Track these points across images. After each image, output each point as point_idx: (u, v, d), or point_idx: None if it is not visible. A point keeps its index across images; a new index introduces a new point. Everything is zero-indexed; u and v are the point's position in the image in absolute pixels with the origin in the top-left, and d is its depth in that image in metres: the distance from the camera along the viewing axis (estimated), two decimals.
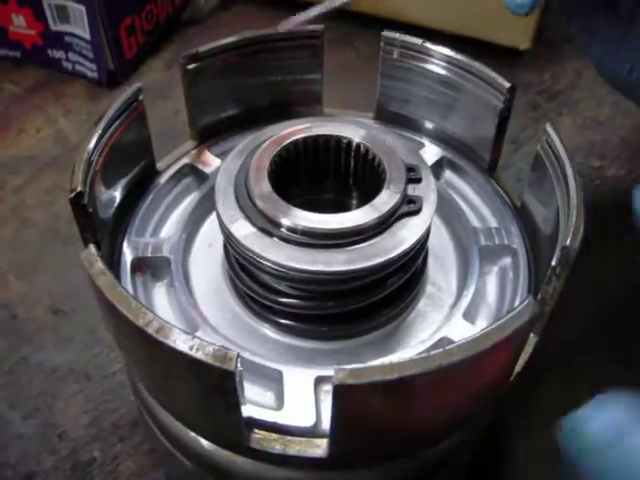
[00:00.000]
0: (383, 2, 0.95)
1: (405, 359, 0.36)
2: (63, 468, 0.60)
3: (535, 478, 0.59)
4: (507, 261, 0.53)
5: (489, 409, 0.50)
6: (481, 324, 0.50)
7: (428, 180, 0.48)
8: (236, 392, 0.38)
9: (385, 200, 0.46)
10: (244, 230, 0.46)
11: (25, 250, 0.75)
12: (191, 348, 0.38)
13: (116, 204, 0.52)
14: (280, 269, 0.44)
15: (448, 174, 0.59)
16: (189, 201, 0.56)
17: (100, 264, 0.42)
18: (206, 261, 0.53)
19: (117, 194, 0.53)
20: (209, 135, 0.59)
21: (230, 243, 0.47)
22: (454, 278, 0.53)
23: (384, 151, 0.49)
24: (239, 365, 0.37)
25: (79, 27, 0.85)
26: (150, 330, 0.39)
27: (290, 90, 0.60)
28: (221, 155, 0.58)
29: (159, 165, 0.57)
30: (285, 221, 0.45)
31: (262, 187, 0.47)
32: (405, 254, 0.45)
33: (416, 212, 0.47)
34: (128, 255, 0.52)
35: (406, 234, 0.46)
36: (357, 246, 0.45)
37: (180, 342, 0.38)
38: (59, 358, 0.66)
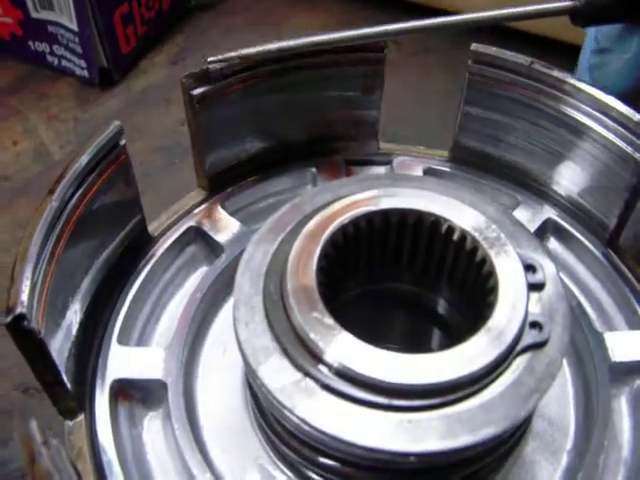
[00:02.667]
0: None
1: None
2: None
3: None
4: None
5: None
6: None
7: (555, 285, 0.30)
8: None
9: (499, 328, 0.27)
10: (281, 378, 0.27)
11: None
12: None
13: (87, 301, 0.34)
14: (339, 445, 0.26)
15: (553, 244, 0.40)
16: (195, 283, 0.37)
17: (46, 463, 0.24)
18: (219, 379, 0.34)
19: (86, 285, 0.34)
20: (223, 183, 0.40)
21: (260, 393, 0.28)
22: (571, 406, 0.35)
23: (489, 239, 0.30)
24: None
25: (65, 15, 0.65)
26: None
27: (335, 119, 0.40)
28: (239, 213, 0.39)
29: (152, 227, 0.38)
30: (342, 365, 0.26)
31: (307, 304, 0.28)
32: (530, 414, 0.27)
33: (543, 344, 0.28)
34: (107, 376, 0.33)
35: (532, 381, 0.27)
36: (457, 407, 0.26)
37: None
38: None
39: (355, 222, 0.31)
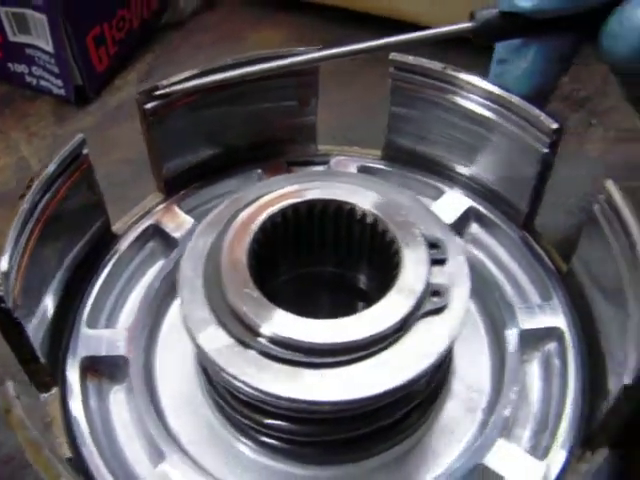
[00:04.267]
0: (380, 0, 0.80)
1: None
2: None
3: None
4: (551, 346, 0.40)
5: None
6: (523, 435, 0.37)
7: (457, 261, 0.35)
8: None
9: (401, 298, 0.33)
10: (216, 342, 0.33)
11: None
12: None
13: (59, 290, 0.40)
14: (262, 396, 0.32)
15: (475, 229, 0.45)
16: (154, 274, 0.43)
17: (20, 412, 0.29)
18: (176, 357, 0.40)
19: (57, 278, 0.39)
20: (178, 186, 0.46)
21: (200, 356, 0.34)
22: (487, 369, 0.40)
23: (398, 222, 0.36)
24: None
25: (41, 38, 0.71)
26: None
27: (276, 125, 0.46)
28: (194, 211, 0.45)
29: (116, 227, 0.44)
30: (268, 330, 0.32)
31: (239, 280, 0.33)
32: (426, 372, 0.32)
33: (441, 309, 0.34)
34: (77, 354, 0.39)
35: (427, 345, 0.32)
36: (361, 364, 0.32)
37: None
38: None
39: (283, 212, 0.36)
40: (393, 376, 0.31)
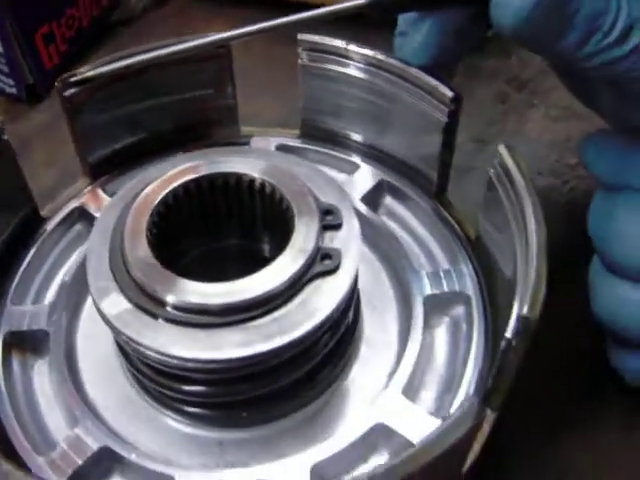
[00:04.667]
0: None
1: None
2: None
3: None
4: (459, 310, 0.42)
5: None
6: (427, 397, 0.39)
7: (350, 226, 0.37)
8: None
9: (292, 257, 0.35)
10: (117, 307, 0.35)
11: None
12: None
13: None
14: (160, 357, 0.34)
15: (389, 201, 0.47)
16: (80, 254, 0.45)
17: None
18: (97, 333, 0.42)
19: None
20: (102, 171, 0.48)
21: (104, 323, 0.36)
22: (395, 334, 0.42)
23: (293, 190, 0.38)
24: None
25: None
26: None
27: (197, 109, 0.48)
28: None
29: (44, 212, 0.46)
30: (167, 295, 0.34)
31: (139, 251, 0.36)
32: (320, 327, 0.35)
33: (333, 270, 0.36)
34: (1, 330, 0.41)
35: (320, 301, 0.35)
36: (257, 322, 0.34)
37: None
38: None
39: (184, 186, 0.38)
40: (287, 332, 0.33)
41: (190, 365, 0.34)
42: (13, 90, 0.77)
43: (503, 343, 0.33)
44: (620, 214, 0.46)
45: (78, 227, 0.47)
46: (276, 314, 0.34)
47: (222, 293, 0.34)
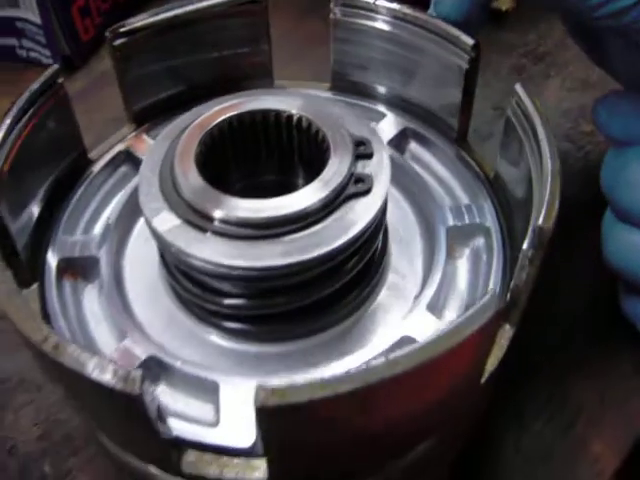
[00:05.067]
0: None
1: (338, 373, 0.30)
2: None
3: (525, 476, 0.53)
4: (480, 242, 0.46)
5: (463, 415, 0.43)
6: (450, 316, 0.43)
7: (380, 155, 0.41)
8: (147, 416, 0.32)
9: (329, 179, 0.39)
10: (167, 223, 0.39)
11: None
12: (90, 368, 0.31)
13: (41, 202, 0.46)
14: (210, 267, 0.38)
15: (413, 146, 0.51)
16: (125, 191, 0.49)
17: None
18: (142, 259, 0.46)
19: (40, 191, 0.46)
20: (147, 118, 0.52)
21: (156, 239, 0.40)
22: (420, 264, 0.46)
23: (329, 124, 0.42)
24: (147, 386, 0.31)
25: (29, 11, 0.78)
26: (47, 347, 0.32)
27: (235, 64, 0.53)
28: None
29: (92, 154, 0.51)
30: (216, 212, 0.38)
31: (189, 175, 0.40)
32: (353, 242, 0.38)
33: (366, 192, 0.40)
34: (53, 257, 0.45)
35: (353, 218, 0.39)
36: (297, 235, 0.38)
37: (77, 361, 0.31)
38: (8, 367, 0.60)
39: (226, 122, 0.43)
40: (323, 245, 0.38)
41: (234, 273, 0.38)
42: (50, 61, 0.82)
43: (520, 256, 0.37)
44: (630, 165, 0.50)
45: (124, 169, 0.51)
46: (313, 229, 0.38)
47: (265, 208, 0.38)
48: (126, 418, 0.34)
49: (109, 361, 0.31)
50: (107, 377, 0.31)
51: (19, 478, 0.54)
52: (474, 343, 0.32)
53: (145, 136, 0.51)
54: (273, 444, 0.33)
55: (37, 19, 0.78)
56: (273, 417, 0.30)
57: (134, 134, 0.52)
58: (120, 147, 0.51)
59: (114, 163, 0.50)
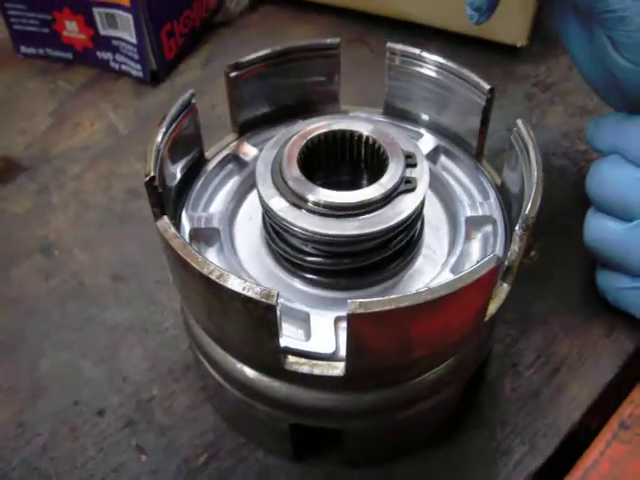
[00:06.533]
0: (391, 4, 1.11)
1: (400, 295, 0.53)
2: (128, 404, 0.77)
3: (520, 418, 0.76)
4: (489, 229, 0.70)
5: (472, 345, 0.66)
6: None
7: (422, 165, 0.65)
8: (276, 322, 0.55)
9: (387, 180, 0.63)
10: (279, 204, 0.63)
11: (86, 228, 0.93)
12: (244, 289, 0.55)
13: (176, 185, 0.70)
14: (306, 234, 0.61)
15: (443, 159, 0.76)
16: (232, 183, 0.74)
17: (173, 229, 0.59)
18: (247, 231, 0.71)
19: (177, 177, 0.70)
20: (247, 129, 0.77)
21: (268, 214, 0.64)
22: (446, 243, 0.70)
23: (387, 142, 0.66)
24: (279, 302, 0.54)
25: (126, 32, 1.02)
26: (213, 277, 0.56)
27: (313, 91, 0.77)
28: (257, 145, 0.76)
29: (207, 154, 0.75)
30: (310, 197, 0.62)
31: (292, 171, 0.64)
32: (403, 222, 0.62)
33: (412, 190, 0.63)
34: (186, 226, 0.69)
35: (404, 207, 0.62)
36: (366, 216, 0.62)
37: (235, 285, 0.55)
38: (120, 316, 0.84)
39: (318, 137, 0.67)
40: (384, 223, 0.61)
41: (322, 239, 0.61)
42: (140, 74, 1.06)
43: (514, 235, 0.61)
44: (601, 168, 0.74)
45: (230, 166, 0.75)
46: (377, 212, 0.62)
47: (343, 197, 0.62)
48: (258, 326, 0.57)
49: (255, 284, 0.55)
50: (254, 292, 0.54)
51: (132, 397, 0.78)
52: (480, 284, 0.56)
53: (246, 142, 0.75)
54: (353, 342, 0.56)
55: (132, 39, 1.02)
56: (357, 321, 0.53)
57: (237, 141, 0.76)
58: (227, 150, 0.75)
59: (223, 162, 0.75)
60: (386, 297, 0.53)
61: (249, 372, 0.65)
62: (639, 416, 0.74)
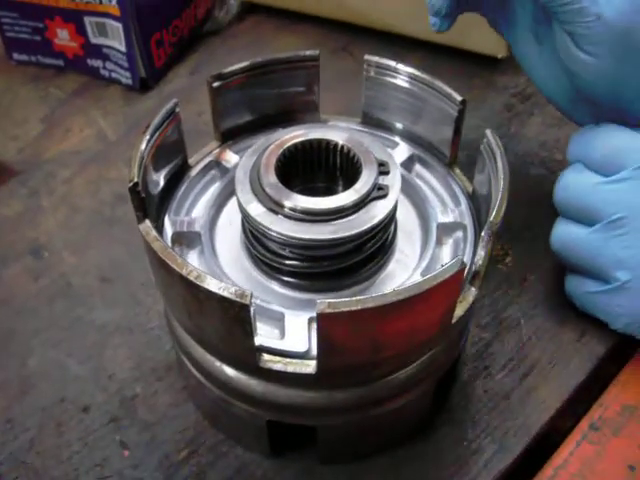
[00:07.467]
0: (374, 16, 1.15)
1: (367, 296, 0.57)
2: (112, 401, 0.80)
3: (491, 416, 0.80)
4: (459, 234, 0.73)
5: (442, 345, 0.70)
6: None
7: (395, 172, 0.69)
8: (251, 321, 0.59)
9: (361, 187, 0.67)
10: (257, 210, 0.66)
11: (76, 231, 0.97)
12: (219, 289, 0.58)
13: (159, 190, 0.74)
14: (283, 238, 0.65)
15: (418, 167, 0.80)
16: (214, 189, 0.78)
17: (154, 233, 0.63)
18: (228, 235, 0.74)
19: (160, 183, 0.74)
20: (230, 137, 0.81)
21: (246, 219, 0.68)
22: (418, 247, 0.74)
23: (361, 150, 0.70)
24: (253, 301, 0.58)
25: (116, 41, 1.06)
26: (191, 277, 0.59)
27: (293, 101, 0.81)
28: (239, 152, 0.79)
29: (190, 160, 0.79)
30: (287, 203, 0.66)
31: (269, 178, 0.68)
32: (376, 227, 0.66)
33: (384, 196, 0.67)
34: (169, 230, 0.73)
35: (376, 212, 0.66)
36: (340, 221, 0.65)
37: (212, 285, 0.58)
38: (107, 317, 0.87)
39: (295, 145, 0.70)
40: (356, 227, 0.65)
41: (297, 243, 0.65)
42: (129, 81, 1.10)
43: (480, 240, 0.65)
44: (567, 175, 0.78)
45: (212, 172, 0.79)
46: (350, 218, 0.66)
47: (318, 202, 0.66)
48: (233, 324, 0.61)
49: (231, 285, 0.58)
50: (229, 292, 0.58)
51: (117, 395, 0.81)
52: (445, 286, 0.60)
53: (228, 150, 0.79)
54: (324, 342, 0.60)
55: (122, 47, 1.06)
56: (326, 320, 0.57)
57: (219, 149, 0.79)
58: (210, 157, 0.79)
59: (206, 168, 0.79)
60: (354, 298, 0.57)
61: (228, 371, 0.69)
62: (608, 418, 0.78)
